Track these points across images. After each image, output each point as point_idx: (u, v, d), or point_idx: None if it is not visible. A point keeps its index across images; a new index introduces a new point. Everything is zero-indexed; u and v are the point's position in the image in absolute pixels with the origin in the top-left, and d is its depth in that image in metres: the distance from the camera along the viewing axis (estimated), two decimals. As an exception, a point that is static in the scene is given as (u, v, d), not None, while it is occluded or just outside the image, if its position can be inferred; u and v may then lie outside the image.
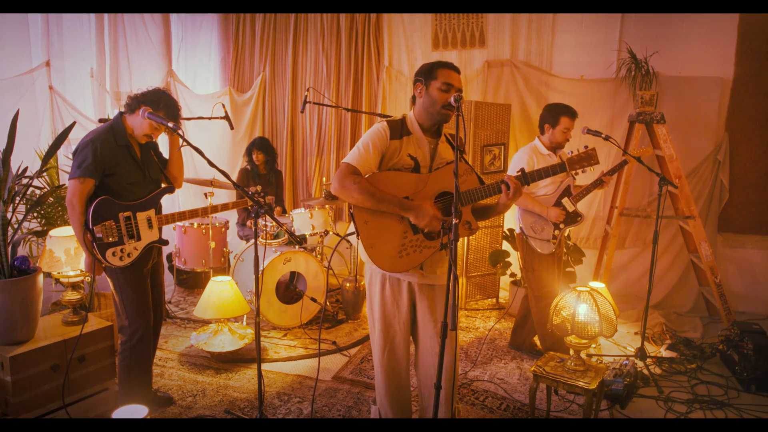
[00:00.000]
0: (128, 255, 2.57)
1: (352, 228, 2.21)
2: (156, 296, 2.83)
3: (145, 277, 2.67)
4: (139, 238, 2.61)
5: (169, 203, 5.27)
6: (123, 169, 2.55)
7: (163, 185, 2.78)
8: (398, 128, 2.18)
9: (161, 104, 2.53)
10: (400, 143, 2.16)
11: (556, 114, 3.27)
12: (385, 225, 2.14)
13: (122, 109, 2.61)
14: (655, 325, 4.10)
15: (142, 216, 2.62)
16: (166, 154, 2.83)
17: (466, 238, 4.44)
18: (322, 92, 5.47)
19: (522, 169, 2.14)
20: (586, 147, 2.34)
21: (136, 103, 2.55)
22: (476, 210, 2.26)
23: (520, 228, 3.41)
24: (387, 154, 2.16)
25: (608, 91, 4.68)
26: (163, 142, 2.83)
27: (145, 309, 2.65)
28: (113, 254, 2.51)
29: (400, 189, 2.12)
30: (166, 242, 2.77)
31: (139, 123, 2.56)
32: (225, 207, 3.09)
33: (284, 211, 4.98)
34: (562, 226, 3.32)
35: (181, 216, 2.82)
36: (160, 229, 2.73)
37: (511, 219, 4.80)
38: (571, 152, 2.34)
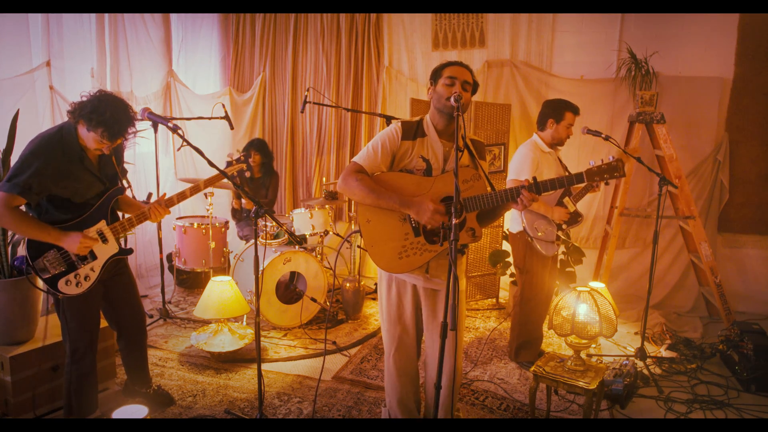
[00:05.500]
0: (85, 278, 2.33)
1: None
2: (129, 309, 2.69)
3: (93, 294, 2.43)
4: (94, 257, 2.37)
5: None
6: (76, 186, 2.30)
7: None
8: (412, 129, 2.19)
9: (93, 122, 2.19)
10: (413, 144, 2.17)
11: (560, 109, 3.21)
12: (387, 225, 2.14)
13: None
14: (655, 325, 4.10)
15: (90, 232, 2.37)
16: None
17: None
18: (322, 92, 5.47)
19: (534, 178, 2.09)
20: (612, 158, 2.21)
21: (76, 117, 2.24)
22: (482, 214, 2.21)
23: (523, 228, 3.27)
24: (398, 154, 2.17)
25: (608, 91, 4.67)
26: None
27: (89, 327, 2.46)
28: (66, 283, 2.29)
29: (405, 189, 2.12)
30: (129, 251, 2.55)
31: (85, 136, 2.27)
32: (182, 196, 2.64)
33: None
34: (564, 226, 3.28)
35: (141, 218, 2.51)
36: (118, 240, 2.48)
37: (511, 219, 4.81)
38: (593, 162, 2.21)
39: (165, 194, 2.64)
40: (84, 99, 2.25)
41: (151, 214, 2.54)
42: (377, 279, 2.37)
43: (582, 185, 3.29)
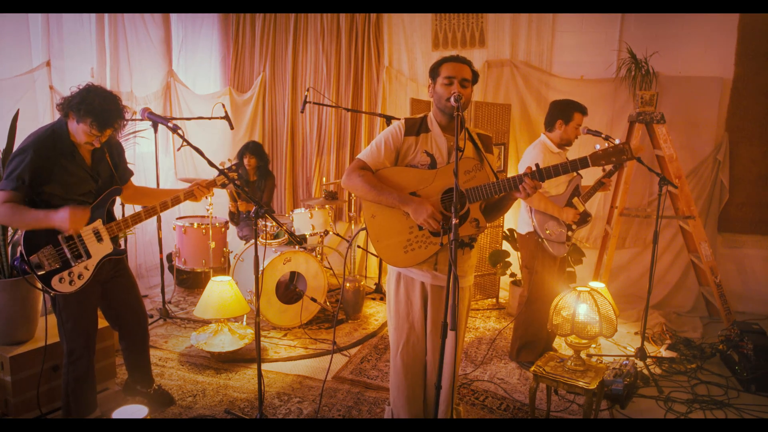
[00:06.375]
0: (79, 277, 2.32)
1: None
2: (130, 310, 2.69)
3: (89, 295, 2.42)
4: (88, 256, 2.36)
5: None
6: (67, 179, 2.27)
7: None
8: (416, 125, 2.21)
9: (82, 111, 2.18)
10: (416, 140, 2.19)
11: (569, 110, 3.21)
12: (391, 220, 2.15)
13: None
14: (655, 325, 4.10)
15: (86, 230, 2.34)
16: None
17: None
18: (322, 92, 5.48)
19: (537, 165, 2.04)
20: (618, 140, 2.13)
21: (65, 108, 2.24)
22: (487, 207, 2.22)
23: (533, 228, 3.24)
24: (402, 150, 2.19)
25: (608, 91, 4.68)
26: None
27: (86, 329, 2.45)
28: (60, 281, 2.27)
29: (407, 184, 2.13)
30: (123, 252, 2.55)
31: (75, 130, 2.26)
32: (176, 201, 2.63)
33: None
34: (574, 227, 3.26)
35: (135, 218, 2.48)
36: (114, 239, 2.47)
37: (511, 219, 4.81)
38: (599, 146, 2.11)
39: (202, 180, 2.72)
40: (73, 93, 2.25)
41: (197, 194, 2.61)
42: (383, 278, 2.37)
43: (591, 185, 3.31)
